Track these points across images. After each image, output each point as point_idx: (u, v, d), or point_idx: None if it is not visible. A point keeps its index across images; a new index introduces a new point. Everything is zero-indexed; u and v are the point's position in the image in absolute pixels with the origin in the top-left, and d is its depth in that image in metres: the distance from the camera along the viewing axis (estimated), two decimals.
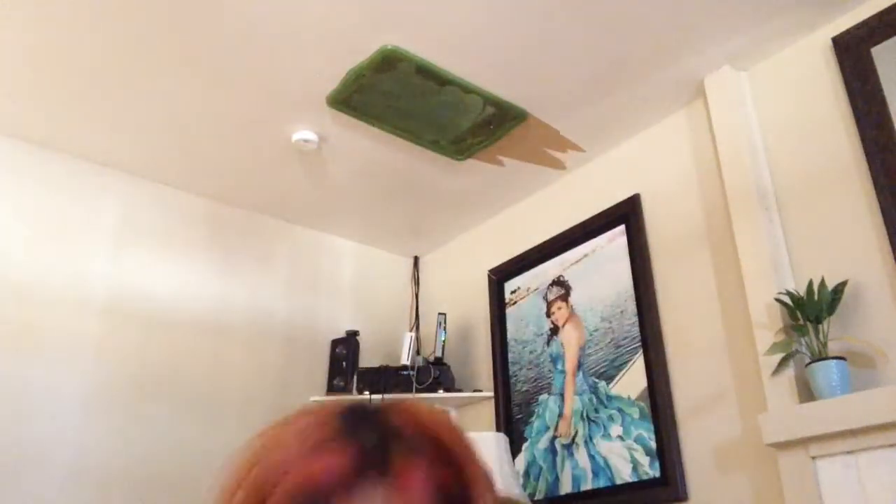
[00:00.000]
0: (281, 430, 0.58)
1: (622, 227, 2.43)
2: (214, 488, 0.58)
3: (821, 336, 1.73)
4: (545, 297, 2.65)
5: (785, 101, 2.07)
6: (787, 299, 1.79)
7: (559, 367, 2.51)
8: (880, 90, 1.82)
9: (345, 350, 2.85)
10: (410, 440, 0.57)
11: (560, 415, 2.45)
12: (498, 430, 2.61)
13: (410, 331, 3.01)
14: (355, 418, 0.57)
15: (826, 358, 1.69)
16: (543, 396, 2.53)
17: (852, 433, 1.58)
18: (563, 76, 2.20)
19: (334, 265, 3.10)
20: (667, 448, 2.07)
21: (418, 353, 2.92)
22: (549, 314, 2.62)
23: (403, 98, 2.25)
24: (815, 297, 1.75)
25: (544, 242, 2.71)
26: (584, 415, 2.36)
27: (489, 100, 2.26)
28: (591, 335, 2.43)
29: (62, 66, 2.11)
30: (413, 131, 2.42)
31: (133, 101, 2.27)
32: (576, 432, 2.37)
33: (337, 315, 2.99)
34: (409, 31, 2.00)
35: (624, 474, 2.17)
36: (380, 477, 0.55)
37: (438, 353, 2.79)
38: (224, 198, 2.81)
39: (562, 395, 2.47)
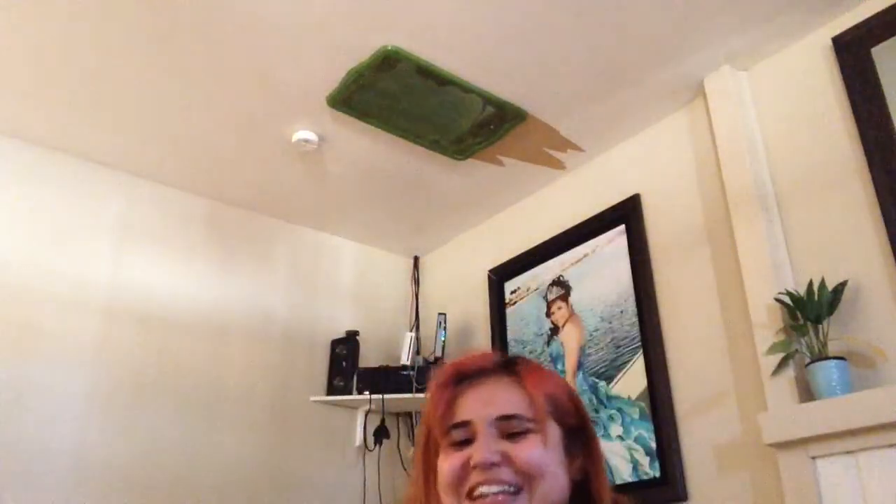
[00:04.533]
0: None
1: (622, 227, 2.43)
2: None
3: (821, 336, 1.73)
4: (545, 297, 2.65)
5: (785, 101, 2.07)
6: (787, 299, 1.79)
7: (559, 367, 2.51)
8: (880, 90, 1.82)
9: (345, 350, 2.85)
10: (531, 364, 0.94)
11: None
12: None
13: (410, 331, 3.01)
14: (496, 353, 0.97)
15: (826, 358, 1.69)
16: None
17: (852, 433, 1.58)
18: (562, 76, 2.20)
19: (334, 265, 3.10)
20: (667, 448, 2.07)
21: (418, 353, 2.92)
22: (549, 314, 2.62)
23: (403, 98, 2.25)
24: (815, 297, 1.75)
25: (544, 242, 2.70)
26: None
27: (489, 100, 2.26)
28: (590, 335, 2.43)
29: (62, 66, 2.11)
30: (413, 131, 2.42)
31: (133, 101, 2.27)
32: None
33: (337, 315, 2.99)
34: (409, 31, 2.00)
35: (624, 474, 2.17)
36: (507, 372, 0.92)
37: (438, 353, 2.79)
38: (224, 198, 2.81)
39: None
